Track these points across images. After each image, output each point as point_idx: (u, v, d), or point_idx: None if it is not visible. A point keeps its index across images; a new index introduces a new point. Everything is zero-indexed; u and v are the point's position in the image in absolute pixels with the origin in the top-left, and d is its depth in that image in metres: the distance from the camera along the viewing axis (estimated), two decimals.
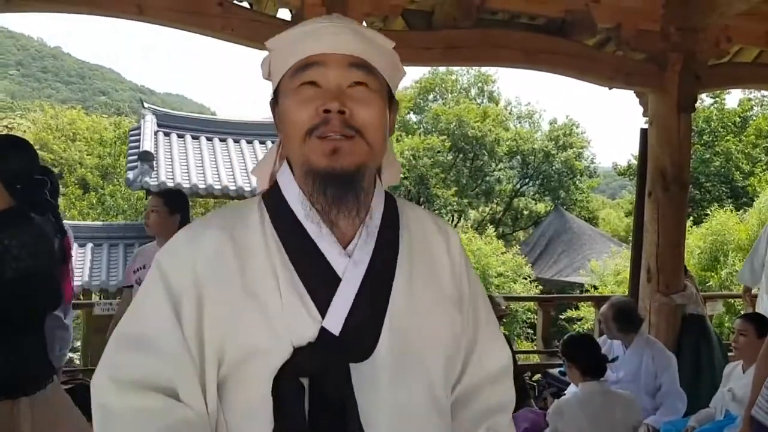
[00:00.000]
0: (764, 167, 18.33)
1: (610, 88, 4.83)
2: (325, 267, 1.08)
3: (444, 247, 1.21)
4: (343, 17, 1.14)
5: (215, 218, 1.16)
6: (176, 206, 3.66)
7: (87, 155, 27.04)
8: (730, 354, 4.34)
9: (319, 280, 1.08)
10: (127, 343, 1.09)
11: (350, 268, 1.08)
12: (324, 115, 1.05)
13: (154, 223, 3.63)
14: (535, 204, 25.38)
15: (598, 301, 7.30)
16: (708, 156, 18.80)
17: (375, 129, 1.08)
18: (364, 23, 4.01)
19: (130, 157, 13.33)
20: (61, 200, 23.02)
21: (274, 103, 1.16)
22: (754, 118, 19.77)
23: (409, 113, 31.23)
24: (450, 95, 27.42)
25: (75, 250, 12.42)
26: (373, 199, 1.14)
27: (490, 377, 1.24)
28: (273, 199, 1.14)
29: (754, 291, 5.60)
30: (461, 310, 1.20)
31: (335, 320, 1.05)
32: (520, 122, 27.53)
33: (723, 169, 18.65)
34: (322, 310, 1.06)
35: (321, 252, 1.08)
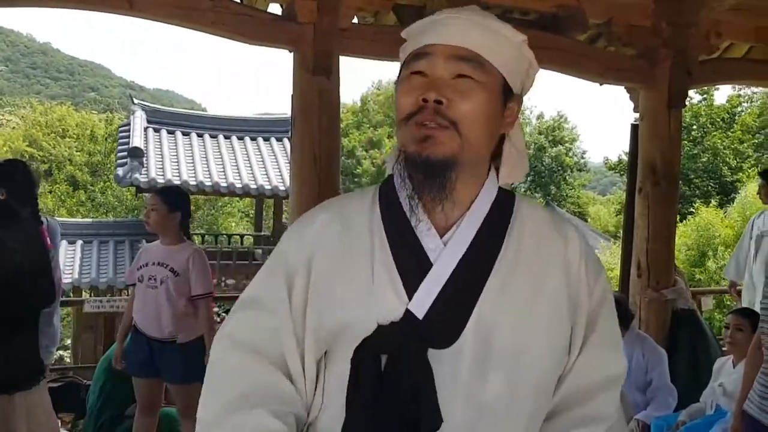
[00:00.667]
0: (753, 163, 18.42)
1: (601, 84, 4.84)
2: (418, 251, 1.11)
3: (560, 251, 1.17)
4: (475, 9, 1.15)
5: (334, 201, 1.26)
6: (175, 204, 3.66)
7: (77, 152, 26.90)
8: (723, 349, 4.37)
9: (411, 264, 1.10)
10: (244, 304, 1.18)
11: (443, 256, 1.10)
12: (422, 104, 1.07)
13: (154, 222, 3.63)
14: None
15: None
16: (696, 152, 18.89)
17: (472, 122, 1.08)
18: (356, 19, 4.00)
19: (119, 154, 13.28)
20: (50, 197, 22.94)
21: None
22: (742, 114, 19.87)
23: None
24: None
25: (65, 248, 12.39)
26: (481, 192, 1.15)
27: (593, 386, 1.17)
28: (387, 184, 1.19)
29: (739, 286, 5.66)
30: (571, 318, 1.15)
31: (420, 304, 1.07)
32: None
33: (711, 165, 18.73)
34: (410, 293, 1.08)
35: (417, 237, 1.11)
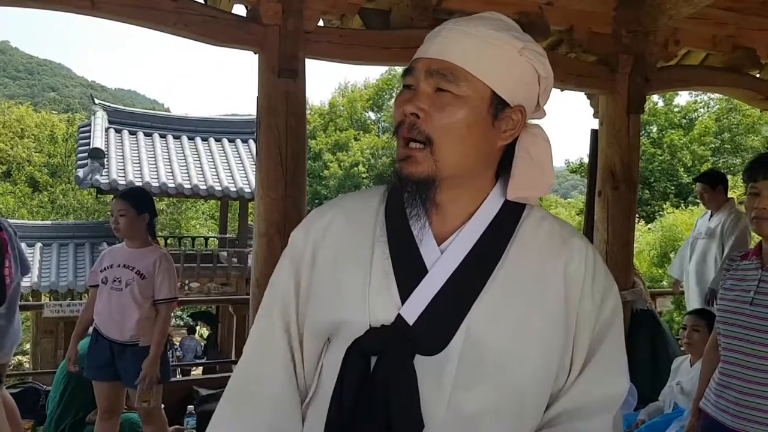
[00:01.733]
0: (710, 166, 18.87)
1: (562, 90, 4.91)
2: (416, 258, 1.12)
3: (561, 265, 1.15)
4: (483, 16, 1.15)
5: (345, 198, 1.29)
6: (142, 206, 3.64)
7: (36, 153, 26.33)
8: (681, 348, 4.47)
9: (407, 269, 1.12)
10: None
11: (439, 264, 1.11)
12: (403, 117, 1.11)
13: (125, 227, 3.58)
14: None
15: None
16: (654, 150, 19.26)
17: (447, 136, 1.08)
18: (321, 22, 4.00)
19: (80, 155, 13.04)
20: (10, 198, 22.38)
21: None
22: (700, 119, 20.37)
23: (367, 112, 31.15)
24: None
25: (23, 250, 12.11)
26: (484, 203, 1.15)
27: (591, 406, 1.15)
28: (396, 187, 1.18)
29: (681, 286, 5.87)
30: (571, 334, 1.14)
31: (412, 309, 1.09)
32: None
33: (669, 166, 19.10)
34: (404, 298, 1.10)
35: (415, 242, 1.13)
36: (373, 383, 1.07)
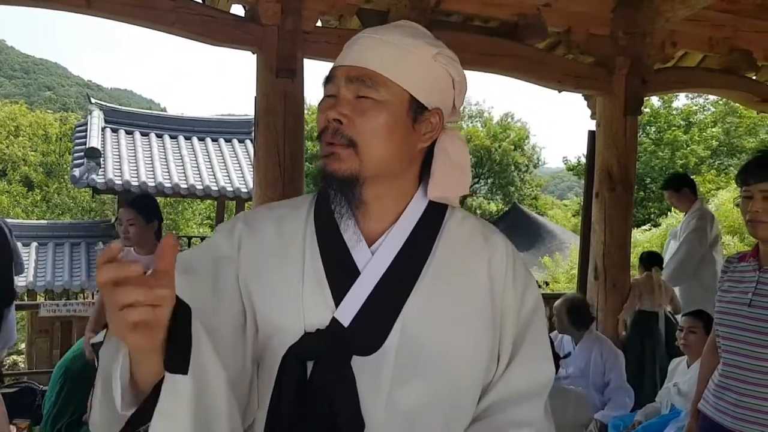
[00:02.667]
0: (707, 168, 18.89)
1: (559, 91, 4.92)
2: (347, 261, 1.13)
3: (485, 261, 1.20)
4: (399, 24, 1.19)
5: (273, 206, 1.29)
6: (152, 214, 3.62)
7: (31, 152, 26.24)
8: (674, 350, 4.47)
9: (339, 272, 1.13)
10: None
11: (370, 265, 1.13)
12: (326, 124, 1.12)
13: (135, 236, 3.55)
14: (488, 203, 25.70)
15: (548, 300, 7.41)
16: (653, 149, 19.27)
17: (370, 139, 1.11)
18: (320, 22, 4.00)
19: (75, 154, 12.97)
20: (5, 198, 22.30)
21: None
22: (698, 122, 20.42)
23: None
24: None
25: (19, 249, 12.07)
26: (410, 204, 1.19)
27: (522, 393, 1.19)
28: (322, 194, 1.21)
29: None
30: (498, 326, 1.18)
31: (347, 312, 1.10)
32: (471, 122, 27.85)
33: (670, 164, 19.07)
34: (338, 301, 1.11)
35: (346, 245, 1.14)
36: (311, 388, 1.08)
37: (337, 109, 1.11)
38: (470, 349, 1.14)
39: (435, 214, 1.20)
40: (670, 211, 13.62)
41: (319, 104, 1.16)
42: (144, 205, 3.68)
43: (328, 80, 1.15)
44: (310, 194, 1.27)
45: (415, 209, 1.19)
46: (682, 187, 5.06)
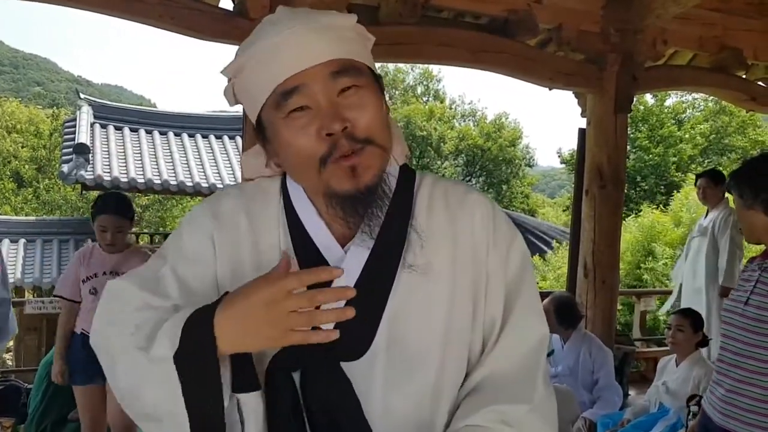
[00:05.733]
0: (696, 166, 18.96)
1: (550, 89, 4.91)
2: (321, 263, 1.05)
3: (468, 224, 1.11)
4: (305, 10, 1.07)
5: (233, 188, 1.16)
6: (133, 213, 3.60)
7: (21, 147, 26.02)
8: (664, 348, 4.49)
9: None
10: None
11: (345, 264, 1.04)
12: (329, 139, 0.99)
13: (121, 242, 3.49)
14: None
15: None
16: (647, 144, 19.33)
17: (377, 126, 1.03)
18: None
19: (64, 150, 12.88)
20: None
21: (259, 131, 1.09)
22: (689, 119, 20.52)
23: None
24: (397, 92, 27.59)
25: (6, 246, 11.98)
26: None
27: (521, 358, 1.10)
28: (286, 189, 1.13)
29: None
30: (484, 291, 1.10)
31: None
32: (464, 120, 27.90)
33: (662, 161, 19.11)
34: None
35: (317, 247, 1.07)
36: (308, 399, 1.02)
37: (336, 115, 0.99)
38: (459, 331, 1.08)
39: (406, 188, 1.12)
40: (658, 208, 13.68)
41: (283, 126, 1.02)
42: (127, 208, 3.59)
43: (290, 93, 1.00)
44: (276, 178, 1.16)
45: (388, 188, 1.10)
46: (720, 182, 5.12)
